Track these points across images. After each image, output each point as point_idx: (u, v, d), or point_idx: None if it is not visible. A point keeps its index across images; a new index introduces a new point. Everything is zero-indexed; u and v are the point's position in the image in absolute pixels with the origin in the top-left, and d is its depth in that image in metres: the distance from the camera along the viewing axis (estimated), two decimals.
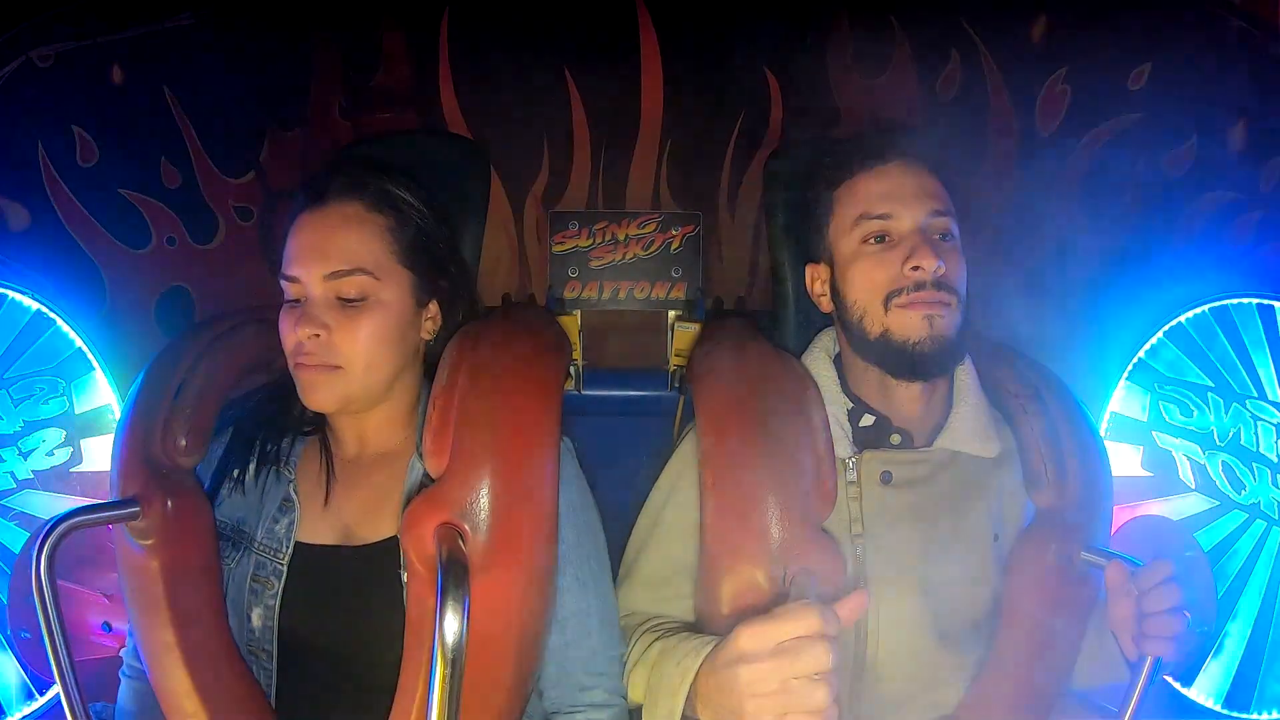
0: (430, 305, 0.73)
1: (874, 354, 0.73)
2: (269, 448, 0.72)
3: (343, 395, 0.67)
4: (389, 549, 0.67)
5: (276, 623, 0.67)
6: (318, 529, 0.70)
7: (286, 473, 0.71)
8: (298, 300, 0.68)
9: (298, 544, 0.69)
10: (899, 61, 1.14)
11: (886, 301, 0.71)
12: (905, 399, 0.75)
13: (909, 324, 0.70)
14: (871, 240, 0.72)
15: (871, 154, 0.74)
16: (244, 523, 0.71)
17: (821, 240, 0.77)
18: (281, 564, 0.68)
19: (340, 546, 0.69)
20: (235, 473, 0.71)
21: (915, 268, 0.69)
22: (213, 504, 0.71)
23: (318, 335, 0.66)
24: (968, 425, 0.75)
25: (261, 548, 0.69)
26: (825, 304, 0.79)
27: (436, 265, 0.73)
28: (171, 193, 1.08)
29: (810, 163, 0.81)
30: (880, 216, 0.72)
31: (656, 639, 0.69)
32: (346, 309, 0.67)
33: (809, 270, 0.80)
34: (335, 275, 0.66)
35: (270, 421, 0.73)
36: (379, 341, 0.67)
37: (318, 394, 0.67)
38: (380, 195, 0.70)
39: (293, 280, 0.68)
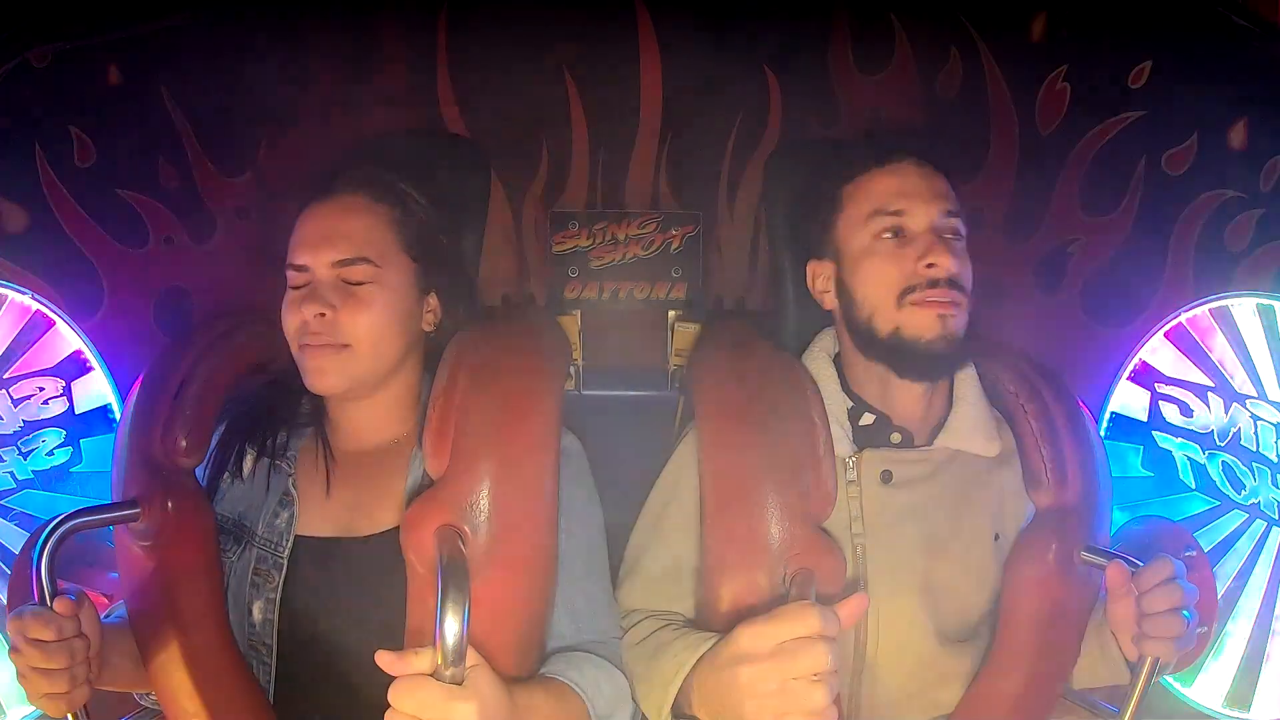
0: (430, 297, 0.74)
1: (882, 352, 0.72)
2: (267, 441, 0.72)
3: (351, 376, 0.68)
4: (389, 541, 0.67)
5: (277, 616, 0.68)
6: (317, 522, 0.70)
7: (285, 466, 0.72)
8: (301, 287, 0.68)
9: (298, 537, 0.69)
10: (898, 60, 1.13)
11: (900, 298, 0.70)
12: (907, 398, 0.74)
13: (922, 322, 0.69)
14: (885, 236, 0.72)
15: (884, 151, 0.74)
16: (245, 517, 0.71)
17: (827, 236, 0.76)
18: (282, 557, 0.68)
19: (340, 539, 0.69)
20: (234, 467, 0.72)
21: (931, 265, 0.69)
22: (212, 499, 0.71)
23: (323, 314, 0.66)
24: (968, 424, 0.75)
25: (262, 541, 0.69)
26: (828, 301, 0.78)
27: (438, 258, 0.74)
28: (169, 193, 1.08)
29: (813, 160, 0.80)
30: (894, 213, 0.71)
31: (659, 628, 0.70)
32: (352, 290, 0.68)
33: (811, 267, 0.79)
34: (342, 262, 0.68)
35: (268, 415, 0.74)
36: (385, 320, 0.68)
37: (326, 376, 0.67)
38: (384, 187, 0.71)
39: (300, 269, 0.68)
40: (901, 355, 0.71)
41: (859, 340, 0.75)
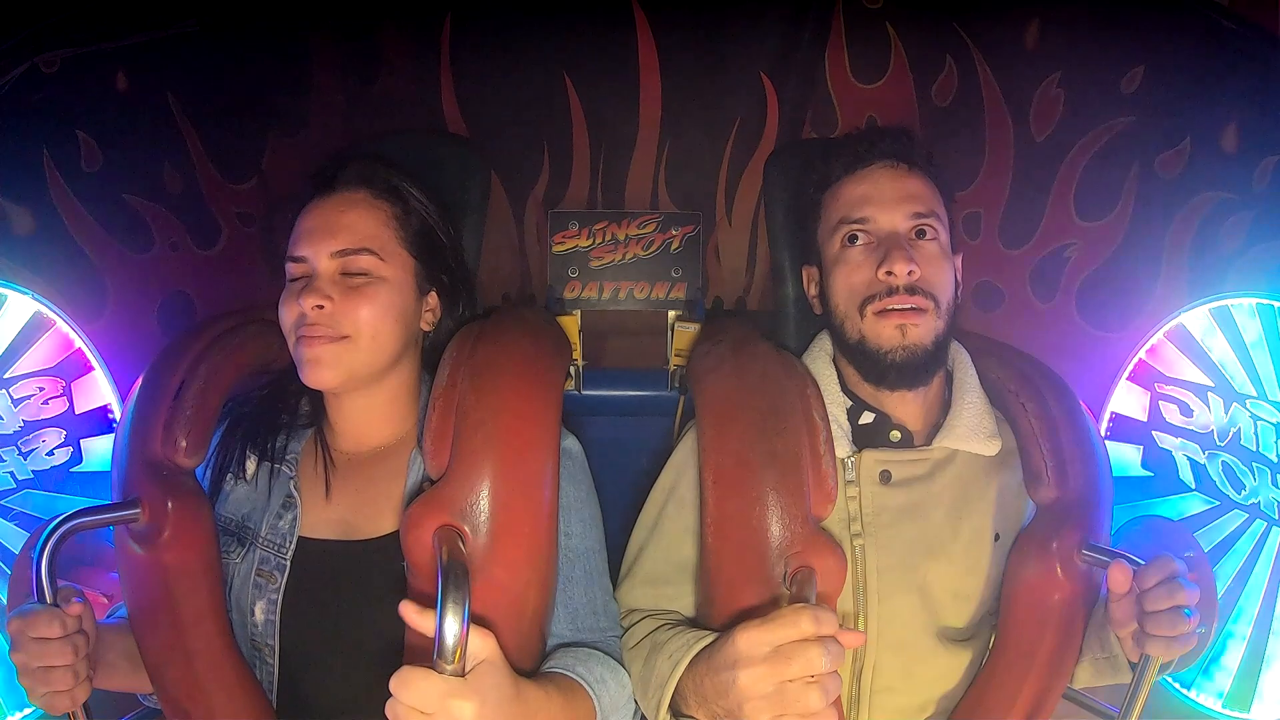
0: (430, 296, 0.74)
1: (854, 359, 0.74)
2: (267, 444, 0.72)
3: (347, 369, 0.67)
4: (390, 544, 0.67)
5: (279, 617, 0.67)
6: (319, 524, 0.70)
7: (287, 469, 0.72)
8: (300, 279, 0.68)
9: (300, 539, 0.69)
10: (894, 68, 1.15)
11: (862, 308, 0.71)
12: (898, 402, 0.75)
13: (882, 332, 0.70)
14: (848, 243, 0.73)
15: (854, 157, 0.75)
16: (249, 519, 0.71)
17: (812, 243, 0.78)
18: (285, 559, 0.68)
19: (342, 541, 0.69)
20: (237, 469, 0.72)
21: (887, 273, 0.70)
22: (215, 501, 0.71)
23: (321, 306, 0.66)
24: (968, 423, 0.75)
25: (265, 543, 0.70)
26: (817, 306, 0.80)
27: (438, 256, 0.74)
28: (174, 198, 1.09)
29: (805, 165, 0.82)
30: (858, 221, 0.73)
31: (656, 628, 0.70)
32: (352, 282, 0.68)
33: (805, 272, 0.81)
34: (342, 253, 0.68)
35: (268, 417, 0.74)
36: (384, 313, 0.68)
37: (322, 369, 0.66)
38: (386, 184, 0.72)
39: (300, 260, 0.68)
40: (868, 364, 0.72)
41: (839, 346, 0.76)
